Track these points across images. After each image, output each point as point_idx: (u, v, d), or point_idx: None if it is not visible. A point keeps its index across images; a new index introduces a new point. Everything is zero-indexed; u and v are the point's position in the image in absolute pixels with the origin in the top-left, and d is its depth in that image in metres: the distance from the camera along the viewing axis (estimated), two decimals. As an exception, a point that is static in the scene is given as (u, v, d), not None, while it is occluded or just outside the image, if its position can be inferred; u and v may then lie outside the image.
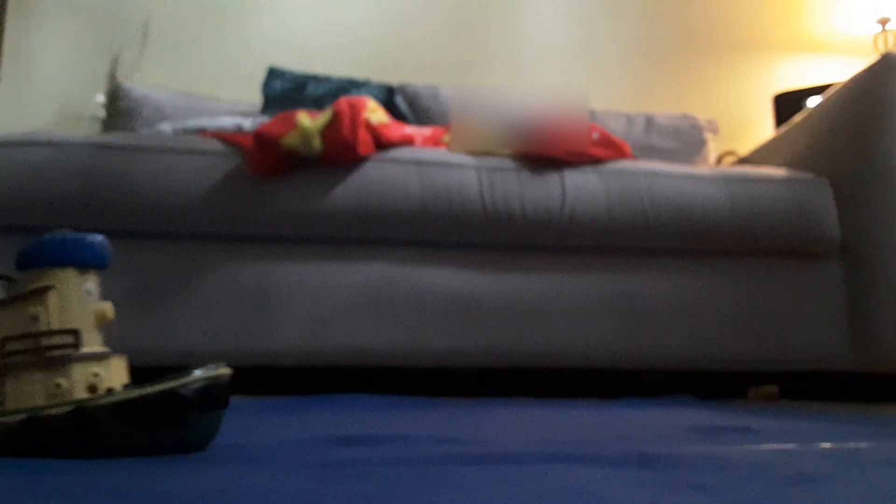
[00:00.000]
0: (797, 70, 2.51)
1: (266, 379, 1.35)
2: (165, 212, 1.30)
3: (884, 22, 2.34)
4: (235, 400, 1.26)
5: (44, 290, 0.59)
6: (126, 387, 0.59)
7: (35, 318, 0.58)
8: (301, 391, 1.26)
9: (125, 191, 1.28)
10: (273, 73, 1.97)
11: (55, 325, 0.58)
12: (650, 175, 1.42)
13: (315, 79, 1.96)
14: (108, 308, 0.62)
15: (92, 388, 0.58)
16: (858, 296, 1.41)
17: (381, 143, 1.39)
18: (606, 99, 2.28)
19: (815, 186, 1.44)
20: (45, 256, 0.60)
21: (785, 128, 1.70)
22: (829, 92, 1.53)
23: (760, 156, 1.77)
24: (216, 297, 1.30)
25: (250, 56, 2.23)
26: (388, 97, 1.95)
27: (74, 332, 0.59)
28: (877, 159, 1.39)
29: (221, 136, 1.40)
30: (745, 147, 2.22)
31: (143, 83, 2.06)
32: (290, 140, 1.30)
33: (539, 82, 2.40)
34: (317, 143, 1.30)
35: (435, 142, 1.53)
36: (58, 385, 0.57)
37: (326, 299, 1.32)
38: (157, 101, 1.94)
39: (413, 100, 2.02)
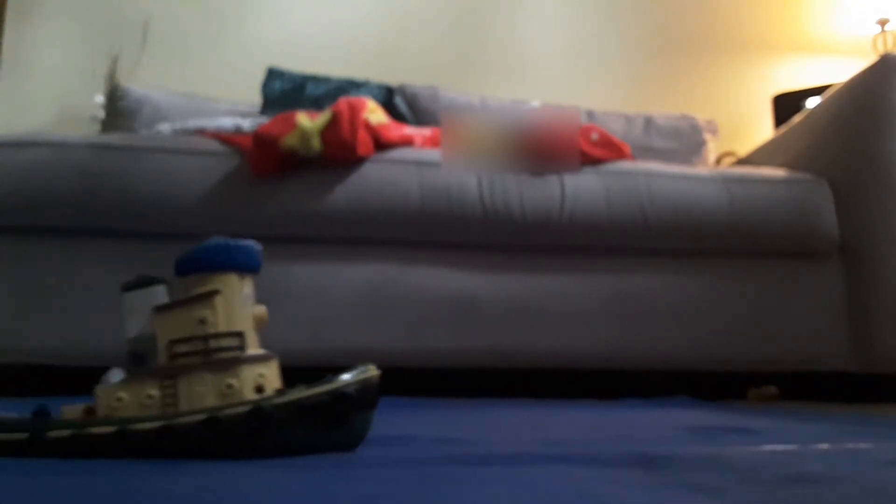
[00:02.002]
0: (797, 71, 2.51)
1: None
2: (165, 212, 1.29)
3: (883, 23, 2.34)
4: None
5: (211, 294, 0.60)
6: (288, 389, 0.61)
7: (203, 321, 0.60)
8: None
9: (125, 191, 1.28)
10: (272, 74, 1.97)
11: (222, 328, 0.60)
12: (650, 175, 1.42)
13: (314, 79, 1.96)
14: (264, 311, 0.63)
15: (259, 389, 0.59)
16: (858, 296, 1.41)
17: (381, 144, 1.39)
18: (606, 99, 2.28)
19: (814, 187, 1.44)
20: (211, 262, 0.62)
21: (784, 128, 1.70)
22: (829, 93, 1.53)
23: (760, 156, 1.77)
24: (216, 298, 1.30)
25: (250, 56, 2.23)
26: (387, 98, 1.95)
27: (239, 335, 0.61)
28: (876, 160, 1.40)
29: (221, 136, 1.40)
30: (745, 148, 2.23)
31: (143, 83, 2.06)
32: (290, 140, 1.30)
33: (538, 83, 2.40)
34: (316, 144, 1.30)
35: (435, 142, 1.53)
36: (229, 386, 0.59)
37: (326, 299, 1.32)
38: (156, 101, 1.94)
39: (412, 100, 2.02)
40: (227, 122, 1.61)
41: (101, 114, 2.05)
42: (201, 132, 1.51)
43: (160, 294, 0.63)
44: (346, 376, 0.59)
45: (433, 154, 1.40)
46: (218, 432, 0.56)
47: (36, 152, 1.29)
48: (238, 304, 0.61)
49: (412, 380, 1.36)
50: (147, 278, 0.63)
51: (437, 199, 1.34)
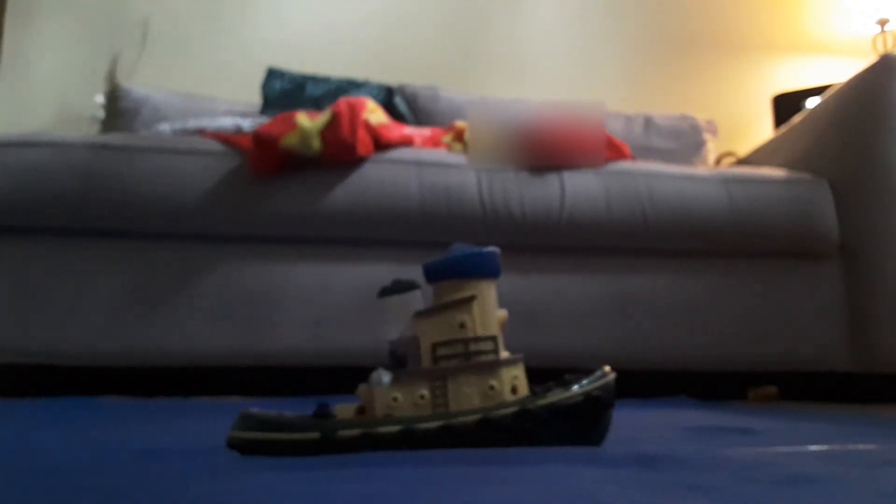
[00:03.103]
0: (796, 71, 2.51)
1: (266, 379, 1.35)
2: (165, 212, 1.29)
3: (883, 23, 2.34)
4: (235, 400, 1.26)
5: (468, 300, 0.64)
6: (536, 389, 0.64)
7: (462, 326, 0.64)
8: (301, 391, 1.26)
9: (125, 191, 1.28)
10: (272, 74, 1.97)
11: (479, 332, 0.64)
12: (649, 176, 1.42)
13: (314, 79, 1.96)
14: (506, 315, 0.67)
15: (514, 390, 0.63)
16: (857, 296, 1.41)
17: (381, 144, 1.39)
18: (606, 99, 2.27)
19: (814, 187, 1.44)
20: (467, 269, 0.65)
21: (784, 129, 1.70)
22: (829, 93, 1.53)
23: (759, 157, 1.77)
24: (216, 298, 1.30)
25: (249, 56, 2.23)
26: (387, 98, 1.95)
27: (494, 339, 0.64)
28: (876, 160, 1.40)
29: (220, 136, 1.40)
30: (745, 148, 2.23)
31: (143, 84, 2.06)
32: (290, 140, 1.30)
33: (538, 83, 2.40)
34: (316, 144, 1.30)
35: (434, 142, 1.53)
36: (491, 387, 0.62)
37: (326, 299, 1.32)
38: (156, 101, 1.94)
39: (412, 100, 2.02)
40: (227, 122, 1.61)
41: (101, 114, 2.05)
42: (201, 132, 1.51)
43: (417, 299, 0.66)
44: (585, 380, 0.63)
45: (433, 154, 1.40)
46: (490, 431, 0.60)
47: (36, 152, 1.29)
48: (491, 309, 0.65)
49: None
50: (404, 284, 0.66)
51: (436, 199, 1.34)
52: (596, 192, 1.38)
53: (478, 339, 0.64)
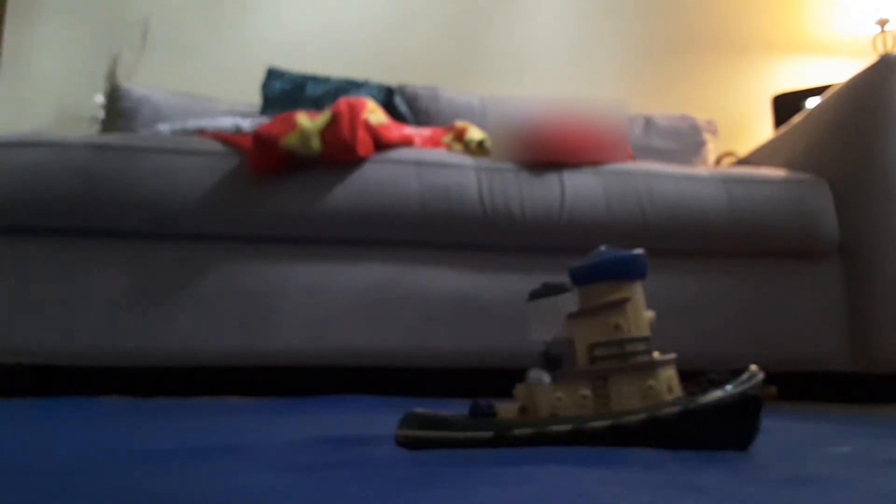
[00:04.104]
0: (796, 71, 2.51)
1: (266, 379, 1.35)
2: (165, 212, 1.29)
3: (883, 23, 2.34)
4: (235, 400, 1.26)
5: (622, 302, 0.66)
6: (692, 389, 0.65)
7: (617, 327, 0.65)
8: (301, 391, 1.26)
9: (125, 191, 1.28)
10: (272, 74, 1.97)
11: (633, 333, 0.65)
12: (649, 176, 1.42)
13: (314, 79, 1.96)
14: (653, 315, 0.68)
15: (669, 390, 0.64)
16: (857, 296, 1.41)
17: (381, 144, 1.39)
18: (606, 99, 2.28)
19: (813, 187, 1.44)
20: (620, 272, 0.67)
21: (784, 129, 1.70)
22: (829, 93, 1.53)
23: (759, 157, 1.77)
24: (216, 298, 1.30)
25: (249, 57, 2.24)
26: (387, 98, 1.95)
27: (647, 339, 0.65)
28: (875, 160, 1.40)
29: (220, 136, 1.40)
30: (744, 148, 2.23)
31: (142, 84, 2.06)
32: (290, 140, 1.30)
33: (538, 83, 2.40)
34: (316, 144, 1.30)
35: (434, 142, 1.53)
36: (650, 387, 0.63)
37: (326, 300, 1.32)
38: (156, 101, 1.95)
39: (412, 100, 2.02)
40: (226, 122, 1.61)
41: (101, 114, 2.05)
42: (201, 132, 1.51)
43: (567, 301, 0.67)
44: (737, 380, 0.63)
45: (433, 154, 1.40)
46: (654, 430, 0.60)
47: (36, 152, 1.29)
48: (642, 310, 0.66)
49: (412, 380, 1.36)
50: (554, 287, 0.68)
51: (436, 200, 1.34)
52: (596, 192, 1.38)
53: (633, 340, 0.64)
